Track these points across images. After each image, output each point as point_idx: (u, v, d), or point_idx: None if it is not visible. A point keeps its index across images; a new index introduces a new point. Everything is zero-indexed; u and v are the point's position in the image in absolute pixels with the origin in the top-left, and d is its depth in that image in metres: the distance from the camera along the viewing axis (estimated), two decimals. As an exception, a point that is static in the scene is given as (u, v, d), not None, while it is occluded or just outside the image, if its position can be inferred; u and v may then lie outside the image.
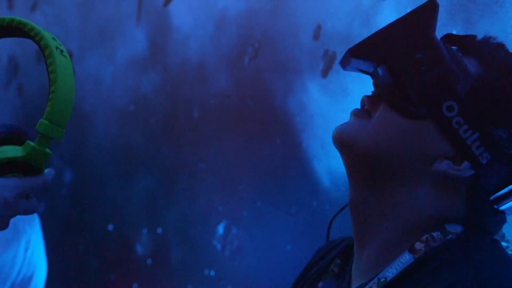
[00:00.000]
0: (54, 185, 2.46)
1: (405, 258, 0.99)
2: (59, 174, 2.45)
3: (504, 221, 1.04)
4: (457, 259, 0.96)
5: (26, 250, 1.68)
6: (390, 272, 0.99)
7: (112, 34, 2.35)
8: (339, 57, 1.69)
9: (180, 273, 2.10)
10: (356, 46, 1.01)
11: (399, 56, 0.99)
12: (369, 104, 1.04)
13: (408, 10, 1.03)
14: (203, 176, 2.05)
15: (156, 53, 2.22)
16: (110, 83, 2.36)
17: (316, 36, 1.77)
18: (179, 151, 2.13)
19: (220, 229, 1.98)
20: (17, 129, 1.06)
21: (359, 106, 1.06)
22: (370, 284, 1.00)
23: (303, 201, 1.78)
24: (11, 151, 1.04)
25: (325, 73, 1.75)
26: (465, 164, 0.99)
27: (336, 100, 1.71)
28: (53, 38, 1.04)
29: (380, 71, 1.01)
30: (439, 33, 1.04)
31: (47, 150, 1.04)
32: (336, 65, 1.70)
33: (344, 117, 1.07)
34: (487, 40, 1.05)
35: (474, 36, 1.06)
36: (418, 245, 0.99)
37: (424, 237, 0.99)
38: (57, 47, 1.03)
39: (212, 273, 2.00)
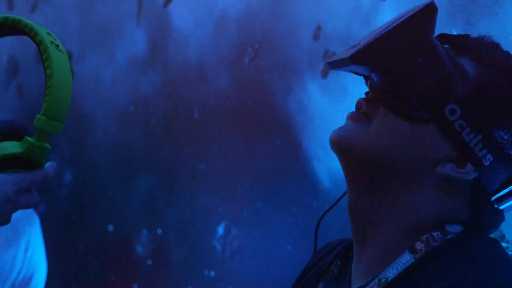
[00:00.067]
0: (54, 186, 2.46)
1: (406, 258, 0.99)
2: (59, 174, 2.45)
3: (503, 219, 1.04)
4: (458, 259, 0.96)
5: (26, 250, 1.68)
6: (391, 273, 0.99)
7: (112, 34, 2.35)
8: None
9: (180, 273, 2.10)
10: (358, 53, 0.99)
11: (400, 61, 0.99)
12: (367, 108, 1.03)
13: (408, 10, 1.03)
14: (203, 176, 2.05)
15: (156, 54, 2.22)
16: (110, 83, 2.36)
17: (316, 37, 1.77)
18: (179, 152, 2.13)
19: (220, 229, 1.98)
20: (16, 125, 1.06)
21: None
22: (371, 284, 1.00)
23: (303, 202, 1.78)
24: (10, 147, 1.04)
25: (325, 73, 1.75)
26: (469, 167, 0.99)
27: (336, 101, 1.71)
28: (48, 33, 1.04)
29: (374, 76, 1.01)
30: (438, 33, 1.03)
31: (46, 145, 1.04)
32: (336, 66, 1.70)
33: (344, 117, 1.07)
34: (481, 40, 1.05)
35: (468, 36, 1.06)
36: (419, 245, 0.99)
37: (424, 237, 0.99)
38: (52, 42, 1.03)
39: (212, 273, 2.00)
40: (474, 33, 1.08)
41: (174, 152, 2.15)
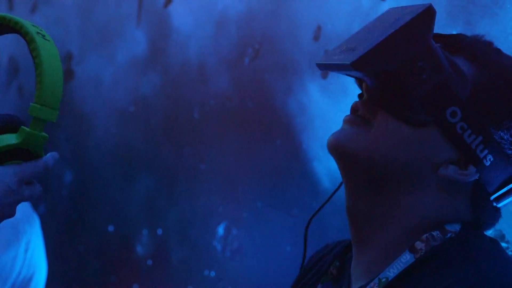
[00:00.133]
0: (54, 186, 2.46)
1: (406, 258, 0.99)
2: (59, 175, 2.45)
3: (500, 216, 1.05)
4: (458, 259, 0.96)
5: (26, 251, 1.68)
6: (391, 272, 0.99)
7: (112, 35, 2.36)
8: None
9: (180, 274, 2.10)
10: (359, 60, 0.98)
11: (401, 66, 0.98)
12: (364, 111, 1.03)
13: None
14: (203, 177, 2.05)
15: (156, 54, 2.22)
16: (110, 84, 2.36)
17: (316, 37, 1.77)
18: (179, 152, 2.13)
19: (220, 230, 1.99)
20: (11, 118, 1.06)
21: None
22: (371, 284, 1.00)
23: (303, 202, 1.78)
24: (7, 139, 1.04)
25: (325, 74, 1.75)
26: (471, 168, 0.99)
27: (336, 101, 1.71)
28: (33, 25, 1.04)
29: (372, 80, 1.00)
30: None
31: (43, 134, 1.04)
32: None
33: (344, 118, 1.07)
34: (476, 39, 1.05)
35: (462, 35, 1.06)
36: (419, 245, 0.99)
37: (424, 236, 0.99)
38: (38, 33, 1.03)
39: (213, 273, 2.00)
40: (473, 34, 1.08)
41: (174, 152, 2.15)
